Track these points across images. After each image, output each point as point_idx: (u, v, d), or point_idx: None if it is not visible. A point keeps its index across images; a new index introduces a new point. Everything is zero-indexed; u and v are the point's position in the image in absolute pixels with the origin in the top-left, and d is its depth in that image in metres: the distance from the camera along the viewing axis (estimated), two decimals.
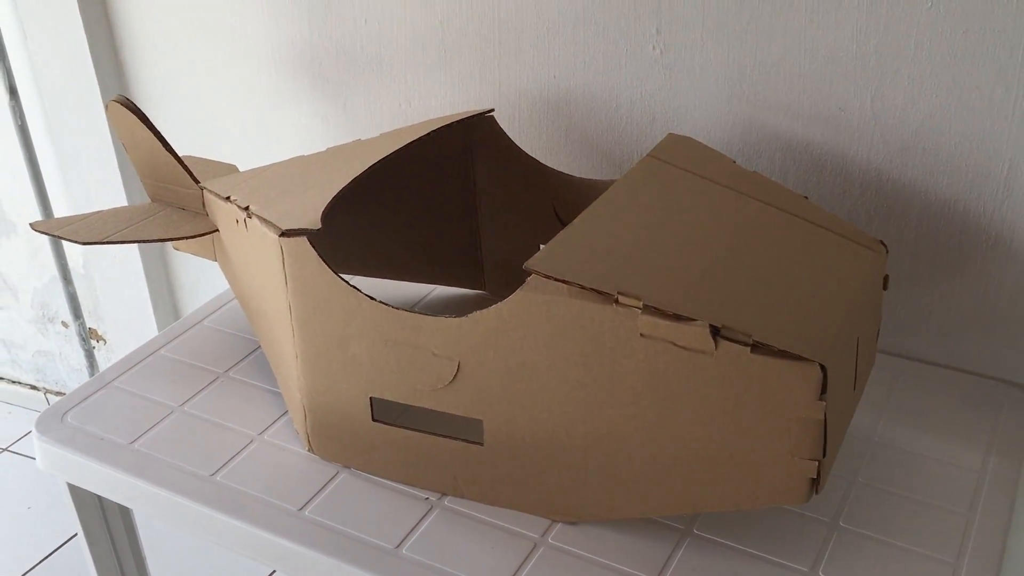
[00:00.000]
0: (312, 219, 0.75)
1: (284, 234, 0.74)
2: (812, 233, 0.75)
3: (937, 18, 0.79)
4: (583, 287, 0.65)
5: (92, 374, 1.59)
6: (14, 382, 1.80)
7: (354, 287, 0.73)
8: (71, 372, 1.70)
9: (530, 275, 0.67)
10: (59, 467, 0.86)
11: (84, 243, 0.93)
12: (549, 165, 1.01)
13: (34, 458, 0.88)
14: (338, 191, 0.78)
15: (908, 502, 0.76)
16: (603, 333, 0.65)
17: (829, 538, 0.73)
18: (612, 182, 0.89)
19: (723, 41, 0.88)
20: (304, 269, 0.74)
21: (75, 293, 1.51)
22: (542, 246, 0.96)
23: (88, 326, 1.58)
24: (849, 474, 0.78)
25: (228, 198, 0.86)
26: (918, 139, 0.84)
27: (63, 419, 0.88)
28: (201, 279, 1.40)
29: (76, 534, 0.93)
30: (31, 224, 0.96)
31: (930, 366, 0.91)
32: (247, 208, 0.82)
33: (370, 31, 1.06)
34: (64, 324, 1.63)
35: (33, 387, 1.78)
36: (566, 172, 1.00)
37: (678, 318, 0.63)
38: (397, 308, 0.72)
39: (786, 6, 0.84)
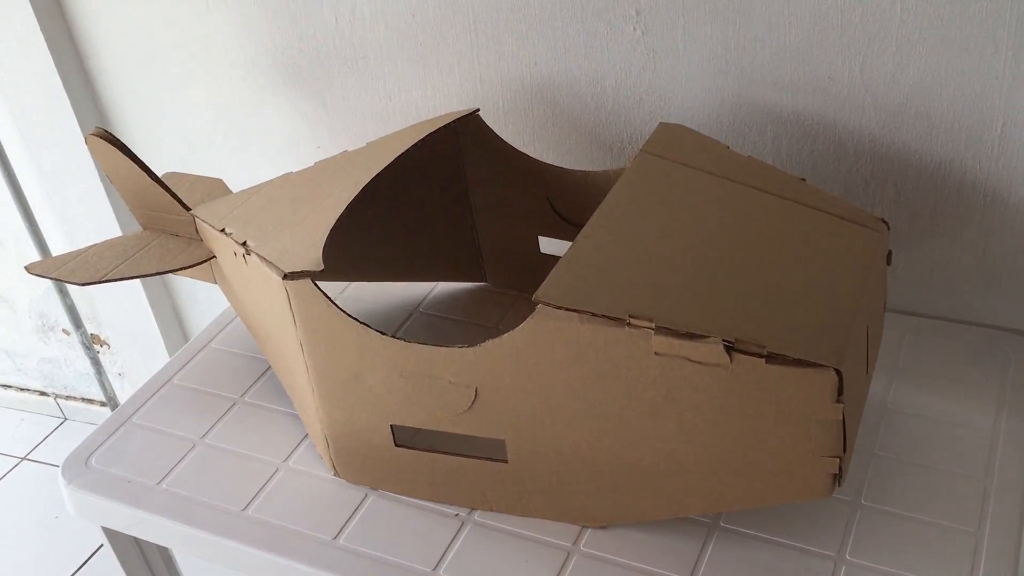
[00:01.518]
0: (314, 259, 0.74)
1: (288, 276, 0.74)
2: (813, 219, 0.75)
3: None
4: (594, 314, 0.65)
5: (99, 378, 1.60)
6: (23, 389, 1.81)
7: (364, 324, 0.73)
8: (79, 377, 1.70)
9: (538, 305, 0.67)
10: (91, 513, 0.87)
11: (82, 284, 0.93)
12: (538, 153, 1.01)
13: (55, 465, 0.89)
14: (334, 222, 0.78)
15: (926, 472, 0.77)
16: (617, 354, 0.66)
17: (852, 518, 0.74)
18: (604, 173, 0.89)
19: (704, 18, 0.86)
20: (311, 309, 0.74)
21: (72, 304, 1.51)
22: (540, 237, 0.98)
23: (90, 332, 1.58)
24: (867, 448, 0.80)
25: (223, 230, 0.86)
26: (909, 103, 0.83)
27: (88, 463, 0.89)
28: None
29: (102, 544, 0.94)
30: (26, 267, 0.96)
31: (936, 320, 0.92)
32: (245, 243, 0.81)
33: (342, 29, 1.04)
34: (65, 332, 1.63)
35: (42, 393, 1.78)
36: (556, 159, 0.99)
37: (691, 336, 0.64)
38: (409, 342, 0.72)
39: None
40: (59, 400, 1.77)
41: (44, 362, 1.73)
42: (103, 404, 1.70)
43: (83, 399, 1.76)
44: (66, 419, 1.80)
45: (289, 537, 0.79)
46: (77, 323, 1.52)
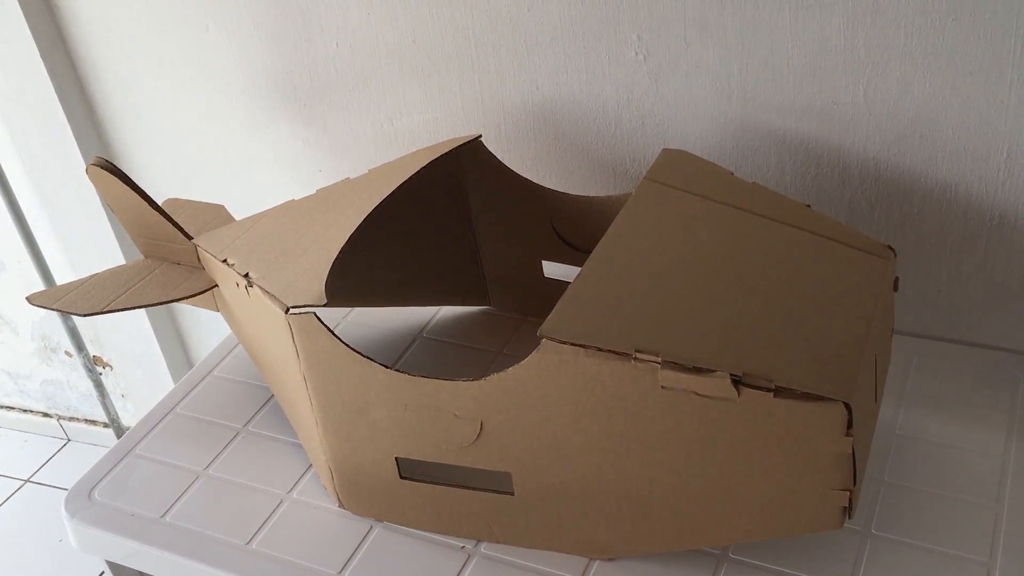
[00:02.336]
0: (316, 292, 0.74)
1: (291, 311, 0.73)
2: (819, 247, 0.75)
3: (926, 5, 0.77)
4: (600, 349, 0.64)
5: (102, 400, 1.60)
6: (26, 411, 1.80)
7: (368, 357, 0.72)
8: (81, 399, 1.70)
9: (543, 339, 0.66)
10: (94, 547, 0.87)
11: (84, 315, 0.92)
12: (540, 177, 1.00)
13: (59, 487, 0.88)
14: (336, 254, 0.77)
15: (936, 499, 0.77)
16: (623, 388, 0.65)
17: (863, 548, 0.74)
18: (608, 199, 0.89)
19: (707, 42, 0.86)
20: (315, 344, 0.74)
21: (74, 327, 1.50)
22: (544, 261, 0.97)
23: (92, 354, 1.58)
24: (876, 475, 0.79)
25: (225, 260, 0.85)
26: (914, 127, 0.82)
27: (91, 496, 0.88)
28: None
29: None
30: (27, 298, 0.95)
31: (944, 343, 0.91)
32: (247, 275, 0.80)
33: (342, 53, 1.03)
34: (68, 354, 1.63)
35: (45, 414, 1.78)
36: (559, 184, 0.99)
37: (698, 370, 0.63)
38: (414, 375, 0.72)
39: (768, 2, 0.82)
40: (62, 422, 1.77)
41: (47, 384, 1.72)
42: (106, 425, 1.70)
43: (86, 420, 1.75)
44: (69, 440, 1.80)
45: (294, 572, 0.78)
46: (79, 345, 1.52)
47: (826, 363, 0.65)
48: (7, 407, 1.82)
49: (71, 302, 0.93)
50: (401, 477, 0.78)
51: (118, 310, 0.92)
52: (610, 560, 0.75)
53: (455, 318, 1.04)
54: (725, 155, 0.90)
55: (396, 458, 0.77)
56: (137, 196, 0.93)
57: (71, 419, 1.76)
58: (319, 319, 0.72)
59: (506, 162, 0.93)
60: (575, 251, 0.93)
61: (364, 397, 0.74)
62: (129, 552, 0.84)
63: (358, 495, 0.81)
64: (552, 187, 0.91)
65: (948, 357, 0.90)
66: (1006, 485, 0.77)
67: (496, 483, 0.75)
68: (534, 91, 0.96)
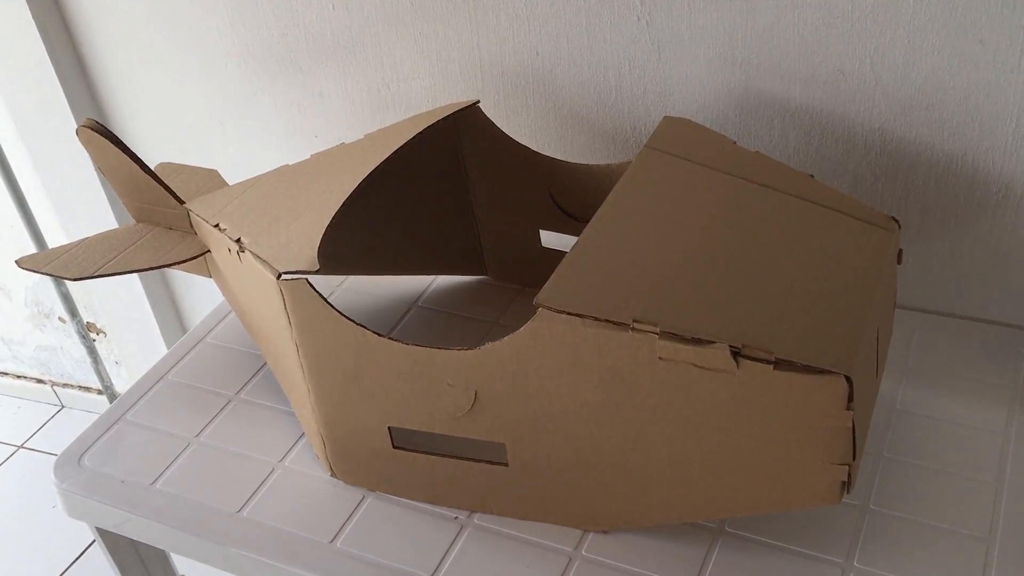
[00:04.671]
0: (309, 258, 0.72)
1: (282, 276, 0.72)
2: (822, 218, 0.73)
3: None
4: (597, 318, 0.63)
5: (96, 366, 1.59)
6: (19, 376, 1.79)
7: (361, 325, 0.71)
8: (75, 365, 1.69)
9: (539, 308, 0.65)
10: (84, 514, 0.86)
11: (74, 279, 0.91)
12: (539, 145, 0.99)
13: (53, 453, 0.88)
14: (330, 219, 0.76)
15: (936, 475, 0.76)
16: (620, 359, 0.64)
17: (861, 523, 0.73)
18: (607, 167, 0.87)
19: (711, 8, 0.84)
20: (307, 310, 0.72)
21: (68, 293, 1.49)
22: (541, 231, 0.96)
23: (86, 321, 1.57)
24: (875, 450, 0.78)
25: (217, 225, 0.84)
26: (922, 97, 0.81)
27: (80, 463, 0.87)
28: None
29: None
30: (16, 261, 0.94)
31: (947, 318, 0.90)
32: (239, 240, 0.79)
33: (339, 16, 1.01)
34: (61, 320, 1.62)
35: (39, 380, 1.77)
36: (558, 152, 0.97)
37: (697, 341, 0.62)
38: (407, 343, 0.70)
39: None
40: (56, 388, 1.76)
41: (41, 350, 1.71)
42: (100, 392, 1.69)
43: (80, 387, 1.74)
44: (63, 407, 1.79)
45: (285, 540, 0.77)
46: (72, 311, 1.51)
47: (827, 336, 0.63)
48: (1, 373, 1.81)
49: (61, 266, 0.92)
50: (394, 447, 0.77)
51: (108, 275, 0.90)
52: (604, 532, 0.74)
53: (451, 287, 1.02)
54: (728, 124, 0.89)
55: (389, 427, 0.76)
56: (128, 159, 0.92)
57: (65, 385, 1.75)
58: (311, 285, 0.71)
59: (505, 129, 0.91)
60: (573, 220, 0.91)
61: (357, 365, 0.73)
62: (119, 519, 0.84)
63: (350, 464, 0.80)
64: (551, 155, 0.90)
65: (950, 332, 0.89)
66: (1007, 462, 0.76)
67: (490, 454, 0.74)
68: (534, 57, 0.94)
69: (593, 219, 0.71)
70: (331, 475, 0.82)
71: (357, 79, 1.05)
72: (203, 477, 0.84)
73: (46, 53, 1.18)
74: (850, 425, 0.62)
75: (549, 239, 0.95)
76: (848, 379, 0.60)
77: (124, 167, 0.93)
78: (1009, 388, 0.82)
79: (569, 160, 0.89)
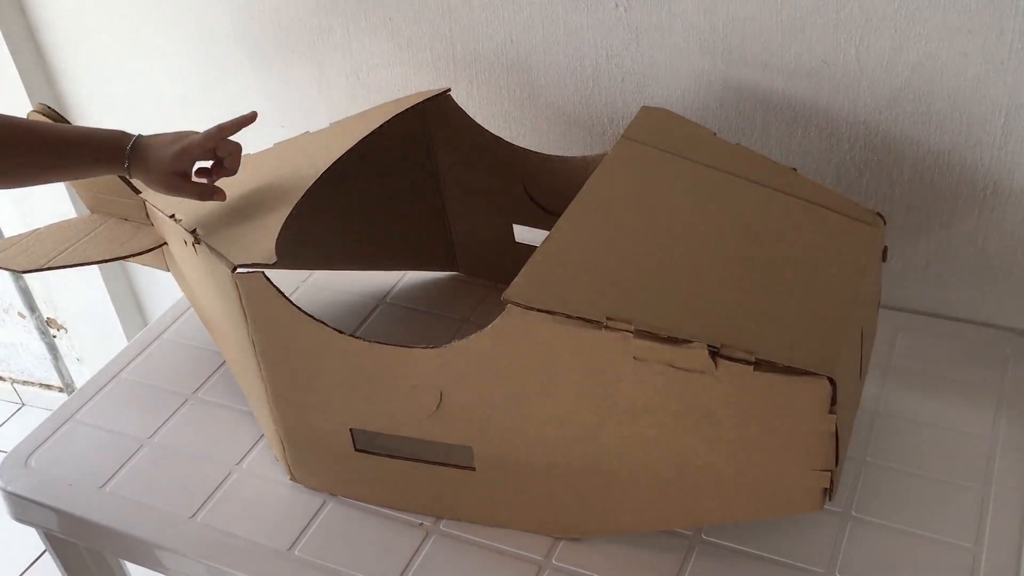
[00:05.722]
0: (266, 250, 0.68)
1: (238, 269, 0.68)
2: (805, 213, 0.70)
3: None
4: (568, 316, 0.60)
5: (56, 363, 1.53)
6: None
7: (321, 321, 0.67)
8: (36, 361, 1.63)
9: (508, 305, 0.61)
10: (29, 518, 0.82)
11: (22, 271, 0.87)
12: (513, 136, 0.95)
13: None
14: (290, 210, 0.72)
15: (920, 481, 0.73)
16: (594, 358, 0.61)
17: (843, 531, 0.70)
18: (583, 159, 0.84)
19: None
20: (264, 306, 0.68)
21: (26, 287, 1.44)
22: (515, 225, 0.92)
23: (46, 316, 1.52)
24: (858, 454, 0.75)
25: (173, 216, 0.80)
26: (908, 88, 0.78)
27: (27, 464, 0.83)
28: None
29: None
30: None
31: (931, 318, 0.87)
32: (194, 232, 0.75)
33: (306, 1, 0.97)
34: (21, 315, 1.56)
35: None
36: (532, 143, 0.94)
37: (673, 340, 0.59)
38: (370, 341, 0.67)
39: None
40: (16, 385, 1.71)
41: (1, 346, 1.66)
42: (61, 390, 1.64)
43: (41, 384, 1.69)
44: (24, 404, 1.73)
45: (241, 547, 0.74)
46: (31, 306, 1.46)
47: (810, 336, 0.60)
48: None
49: (8, 258, 0.88)
50: (356, 450, 0.73)
51: (59, 267, 0.86)
52: (576, 540, 0.71)
53: (421, 284, 0.99)
54: (708, 115, 0.86)
55: (351, 429, 0.72)
56: None
57: (25, 383, 1.69)
58: (267, 279, 0.67)
59: (478, 120, 0.87)
60: (547, 214, 0.88)
61: (317, 364, 0.70)
62: (65, 524, 0.79)
63: (310, 468, 0.77)
64: (525, 147, 0.86)
65: (935, 333, 0.86)
66: (994, 467, 0.73)
67: (457, 457, 0.71)
68: (508, 44, 0.91)
69: (566, 211, 0.68)
70: (291, 479, 0.78)
71: (326, 67, 1.01)
72: (156, 480, 0.80)
73: (2, 40, 1.14)
74: (833, 429, 0.59)
75: (522, 234, 0.91)
76: (831, 381, 0.57)
77: None
78: (995, 390, 0.80)
79: (544, 152, 0.86)
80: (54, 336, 1.54)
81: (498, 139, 0.86)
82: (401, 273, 0.99)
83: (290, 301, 0.67)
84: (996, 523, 0.69)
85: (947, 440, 0.76)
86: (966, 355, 0.83)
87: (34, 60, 1.17)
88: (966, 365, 0.82)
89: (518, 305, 0.60)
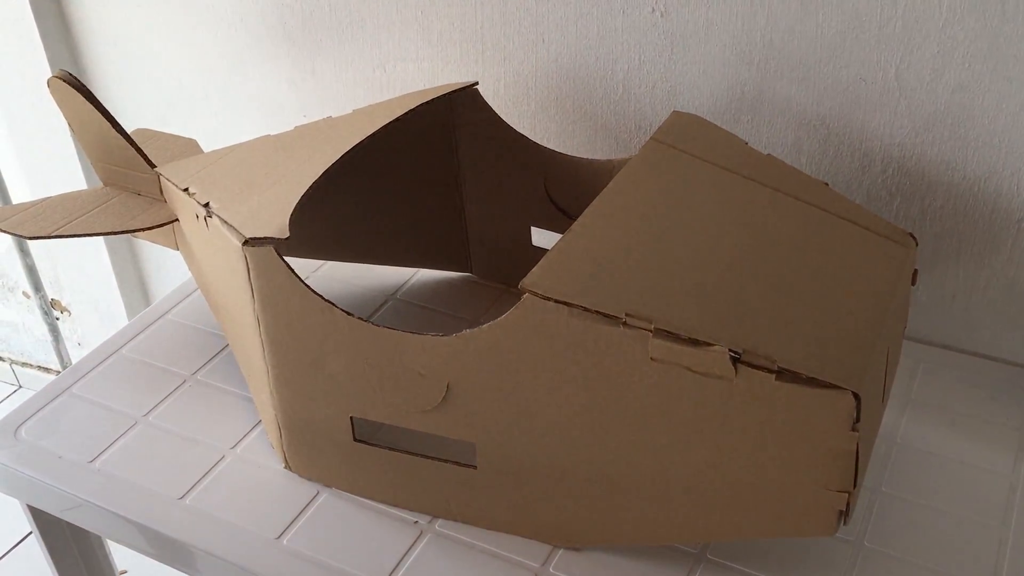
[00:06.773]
0: (279, 225, 0.66)
1: (248, 242, 0.66)
2: (835, 227, 0.68)
3: None
4: (587, 309, 0.58)
5: (56, 345, 1.52)
6: None
7: (329, 302, 0.65)
8: (36, 343, 1.62)
9: (524, 294, 0.59)
10: (14, 488, 0.79)
11: (29, 238, 0.85)
12: (540, 137, 0.94)
13: None
14: (307, 188, 0.70)
15: (937, 515, 0.70)
16: (609, 356, 0.59)
17: (853, 562, 0.67)
18: (608, 162, 0.82)
19: (731, 2, 0.79)
20: (272, 282, 0.66)
21: (33, 265, 1.42)
22: (533, 228, 0.90)
23: (51, 297, 1.50)
24: (873, 483, 0.72)
25: (187, 190, 0.78)
26: (947, 112, 0.76)
27: (16, 434, 0.81)
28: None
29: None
30: None
31: (954, 352, 0.85)
32: (207, 205, 0.73)
33: None
34: (26, 295, 1.55)
35: None
36: (557, 144, 0.92)
37: (694, 342, 0.56)
38: (378, 325, 0.64)
39: None
40: (15, 367, 1.69)
41: (2, 325, 1.64)
42: (59, 373, 1.62)
43: (39, 367, 1.67)
44: (21, 387, 1.72)
45: (228, 531, 0.71)
46: (37, 286, 1.44)
47: (836, 349, 0.58)
48: None
49: (17, 223, 0.86)
50: (355, 439, 0.71)
51: (66, 236, 0.84)
52: (576, 550, 0.68)
53: (433, 282, 0.97)
54: (739, 127, 0.84)
55: (351, 417, 0.70)
56: (100, 116, 0.86)
57: (24, 364, 1.67)
58: (278, 253, 0.65)
59: (503, 117, 0.86)
60: (568, 218, 0.86)
61: (321, 346, 0.67)
62: (50, 498, 0.77)
63: (307, 456, 0.74)
64: (550, 148, 0.85)
65: (957, 367, 0.84)
66: (1013, 507, 0.70)
67: (458, 454, 0.68)
68: (539, 44, 0.89)
69: (591, 205, 0.66)
70: (285, 467, 0.76)
71: (353, 57, 1.00)
72: (147, 459, 0.78)
73: (30, 9, 1.13)
74: (854, 448, 0.56)
75: (540, 239, 0.89)
76: (856, 396, 0.55)
77: (95, 124, 0.87)
78: (1018, 429, 0.77)
79: (568, 153, 0.84)
80: (57, 318, 1.52)
81: (522, 137, 0.85)
82: (413, 271, 0.97)
83: (299, 278, 0.65)
84: (1014, 564, 0.66)
85: (966, 476, 0.73)
86: (988, 392, 0.81)
87: (60, 39, 1.16)
88: (988, 402, 0.80)
89: (535, 294, 0.58)
